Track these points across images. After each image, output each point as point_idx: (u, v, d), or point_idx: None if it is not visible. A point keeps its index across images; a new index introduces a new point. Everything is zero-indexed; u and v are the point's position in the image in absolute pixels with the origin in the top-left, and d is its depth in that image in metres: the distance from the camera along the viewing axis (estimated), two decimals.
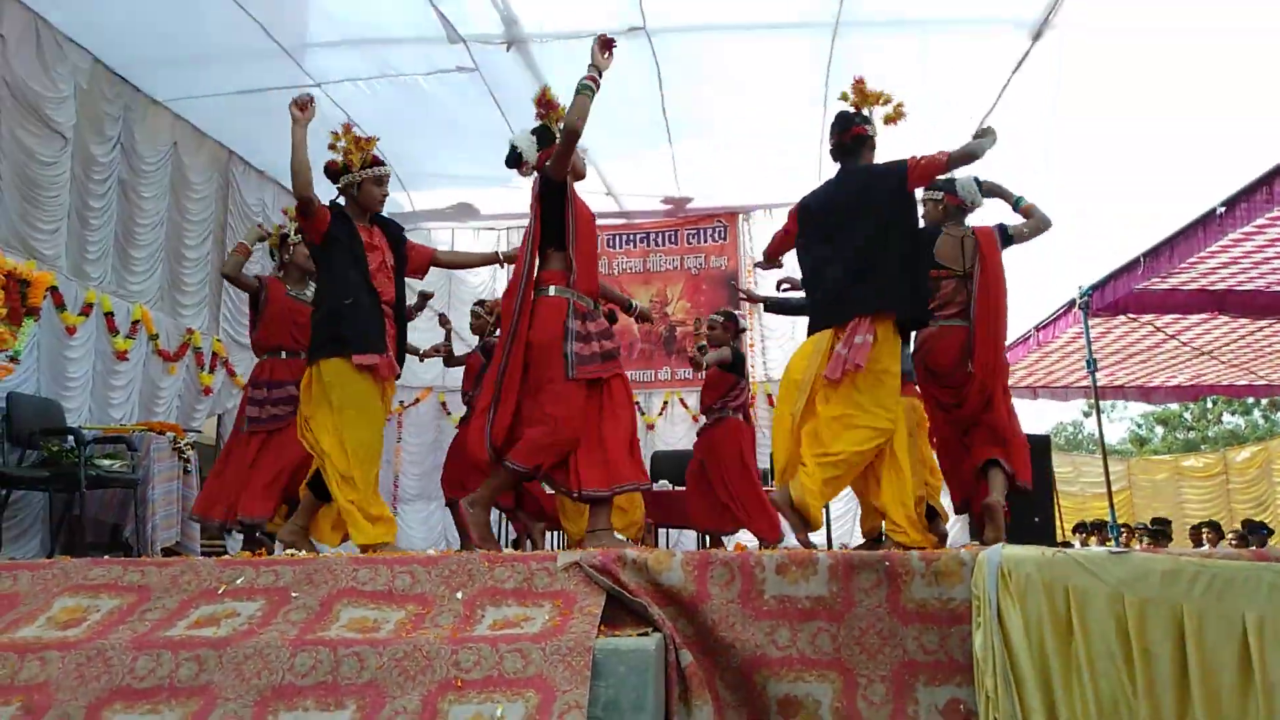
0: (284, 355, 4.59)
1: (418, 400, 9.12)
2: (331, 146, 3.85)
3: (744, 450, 5.62)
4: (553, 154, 3.45)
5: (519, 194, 8.89)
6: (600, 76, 3.40)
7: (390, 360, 3.65)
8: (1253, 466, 14.04)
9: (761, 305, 5.29)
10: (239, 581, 2.59)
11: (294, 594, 2.53)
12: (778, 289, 4.82)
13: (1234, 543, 9.56)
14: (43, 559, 3.65)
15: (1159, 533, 10.08)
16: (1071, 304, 7.57)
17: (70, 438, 4.92)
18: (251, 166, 7.77)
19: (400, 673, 2.20)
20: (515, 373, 3.40)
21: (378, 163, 3.85)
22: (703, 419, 6.00)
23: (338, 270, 3.67)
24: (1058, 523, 6.10)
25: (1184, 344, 8.87)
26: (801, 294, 4.22)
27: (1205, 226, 5.91)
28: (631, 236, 9.71)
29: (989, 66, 6.50)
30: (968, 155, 3.52)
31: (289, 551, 3.42)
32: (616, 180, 8.66)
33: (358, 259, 3.67)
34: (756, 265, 4.52)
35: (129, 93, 6.48)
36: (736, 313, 6.08)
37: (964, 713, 2.33)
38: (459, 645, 2.23)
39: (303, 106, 3.62)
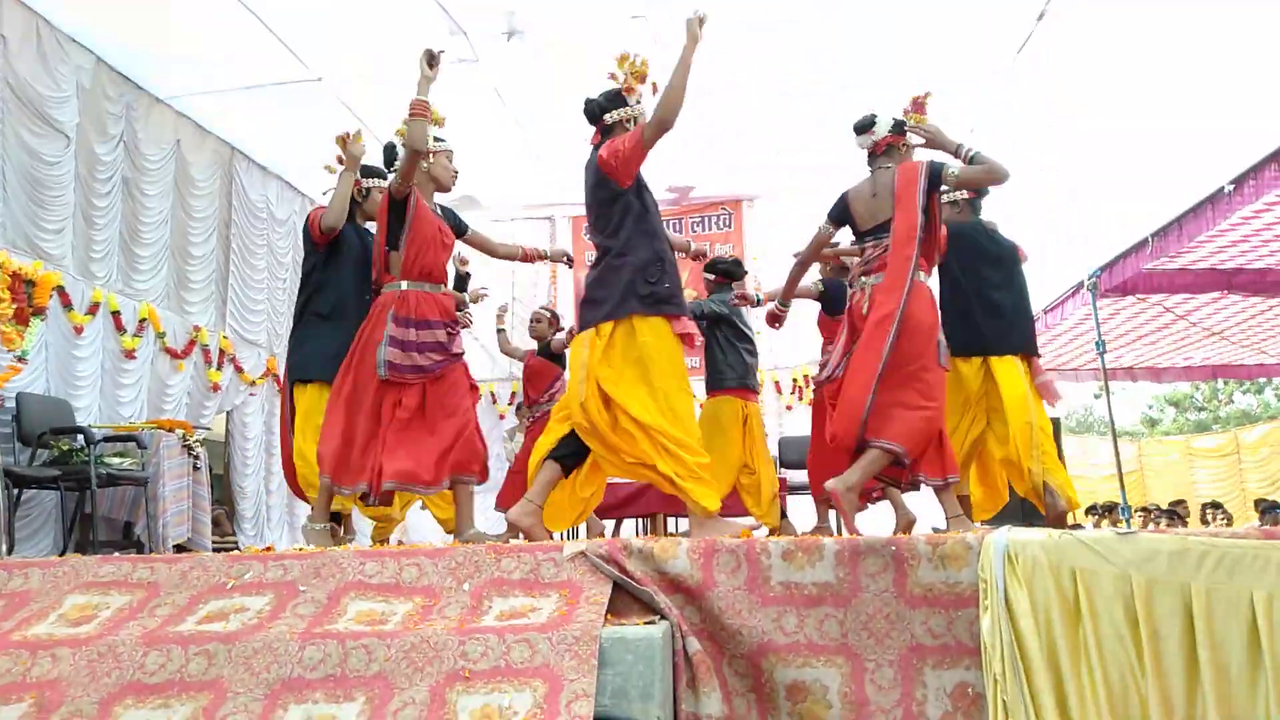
0: (427, 287, 3.69)
1: None
2: (613, 76, 3.60)
3: None
4: (977, 175, 3.52)
5: (521, 185, 8.91)
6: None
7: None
8: (1265, 445, 13.97)
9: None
10: (247, 576, 2.60)
11: (302, 588, 2.54)
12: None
13: (1220, 521, 9.51)
14: (54, 557, 3.68)
15: (1174, 514, 10.03)
16: (1080, 285, 7.53)
17: (80, 436, 4.94)
18: (254, 162, 7.77)
19: (408, 664, 2.21)
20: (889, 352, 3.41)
21: None
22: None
23: (654, 217, 3.41)
24: None
25: (1193, 324, 8.82)
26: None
27: (1214, 205, 5.87)
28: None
29: (992, 47, 6.45)
30: None
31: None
32: None
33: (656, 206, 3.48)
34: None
35: (131, 91, 6.49)
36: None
37: (972, 696, 2.32)
38: (466, 636, 2.24)
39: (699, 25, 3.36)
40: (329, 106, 6.83)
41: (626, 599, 2.46)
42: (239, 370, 7.43)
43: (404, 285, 3.65)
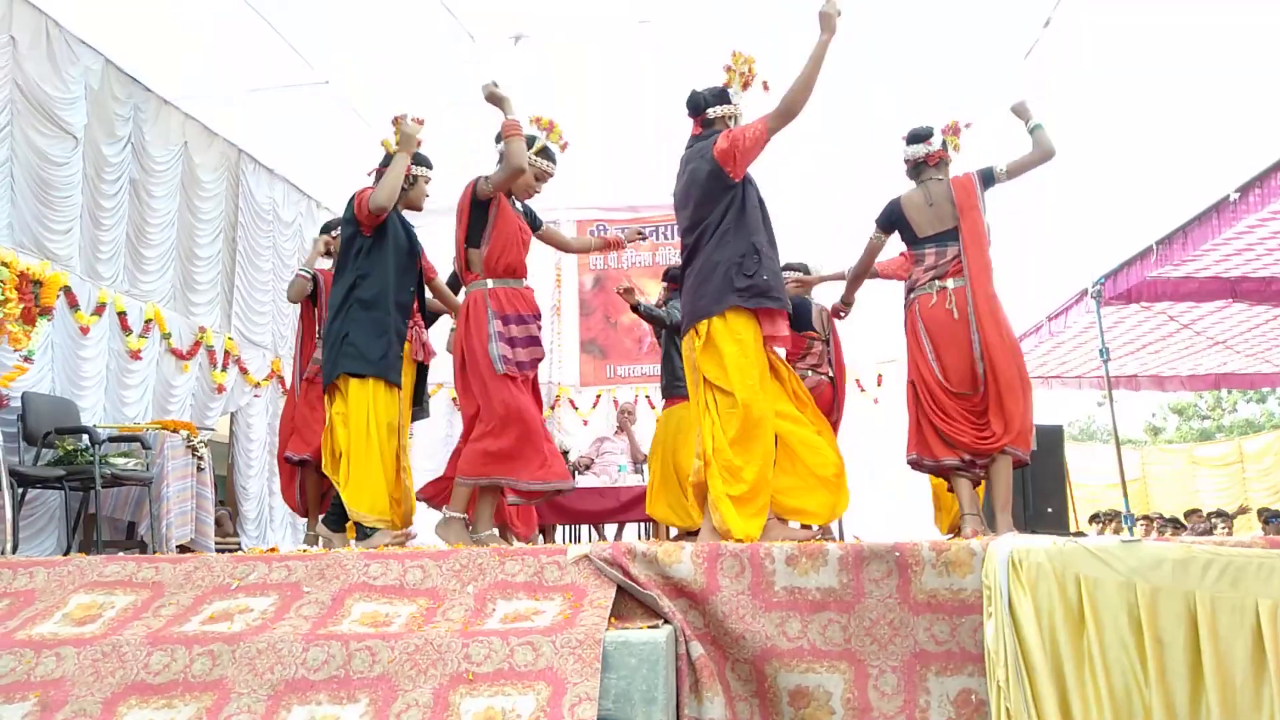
0: (512, 283, 3.67)
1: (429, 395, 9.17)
2: (728, 69, 3.60)
3: None
4: (1023, 164, 3.74)
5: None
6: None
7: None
8: (1268, 454, 13.93)
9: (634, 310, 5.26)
10: (251, 577, 2.61)
11: (306, 589, 2.54)
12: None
13: (1222, 530, 9.45)
14: (59, 556, 3.69)
15: (1177, 523, 9.97)
16: (1084, 293, 7.51)
17: (85, 436, 4.95)
18: (261, 165, 7.79)
19: (412, 666, 2.21)
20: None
21: None
22: None
23: (755, 211, 3.38)
24: (1071, 513, 6.08)
25: (1198, 333, 8.79)
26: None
27: (1219, 213, 5.85)
28: (640, 230, 9.71)
29: (996, 52, 6.46)
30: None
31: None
32: (624, 174, 8.66)
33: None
34: None
35: (139, 92, 6.51)
36: None
37: (975, 703, 2.32)
38: (470, 639, 2.24)
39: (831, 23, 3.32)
40: (336, 109, 6.86)
41: (630, 603, 2.47)
42: (244, 372, 7.45)
43: (490, 283, 3.63)
